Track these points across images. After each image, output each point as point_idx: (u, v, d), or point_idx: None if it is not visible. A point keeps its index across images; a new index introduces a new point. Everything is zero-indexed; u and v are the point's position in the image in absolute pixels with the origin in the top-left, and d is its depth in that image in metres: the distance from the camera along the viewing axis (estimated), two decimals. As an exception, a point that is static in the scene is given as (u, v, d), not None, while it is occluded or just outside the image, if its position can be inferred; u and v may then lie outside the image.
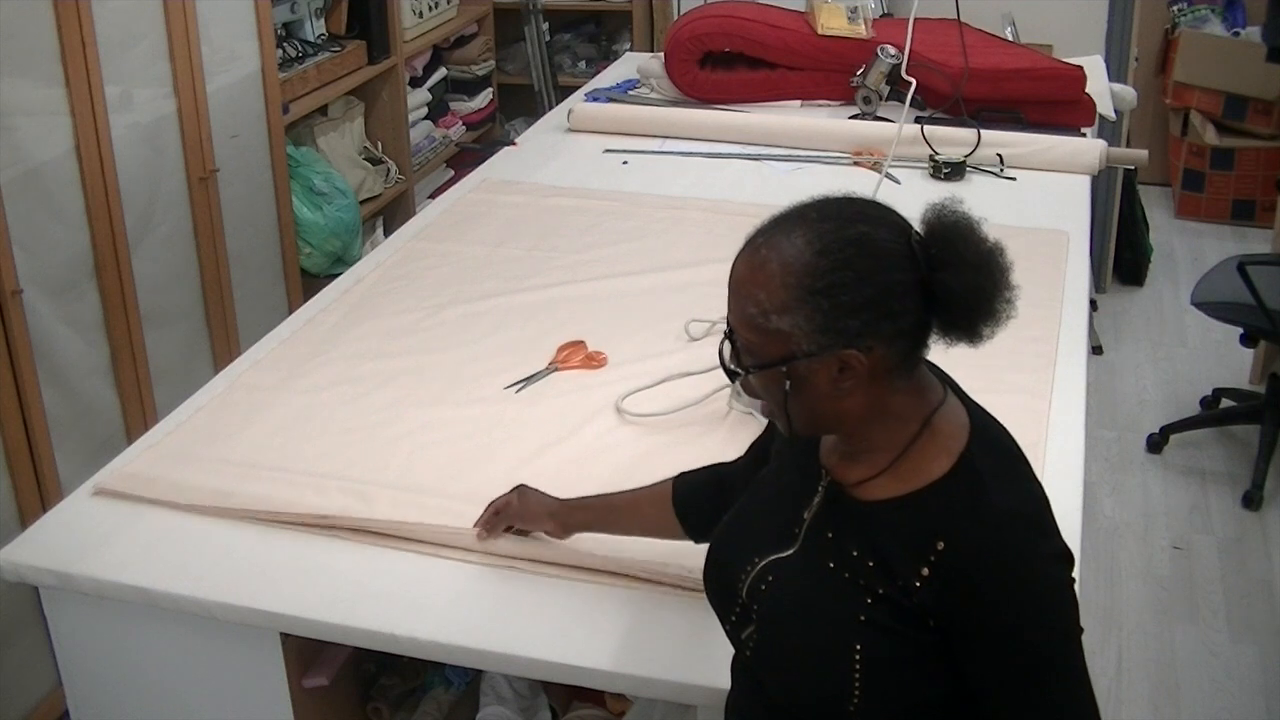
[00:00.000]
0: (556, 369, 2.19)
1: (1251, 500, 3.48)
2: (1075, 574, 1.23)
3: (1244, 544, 3.35)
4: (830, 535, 1.27)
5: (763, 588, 1.30)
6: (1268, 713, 2.79)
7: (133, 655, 1.75)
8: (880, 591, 1.20)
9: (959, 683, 1.20)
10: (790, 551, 1.30)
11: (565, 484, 1.85)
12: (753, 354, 1.22)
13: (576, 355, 2.22)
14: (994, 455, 1.24)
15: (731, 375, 1.26)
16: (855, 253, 1.17)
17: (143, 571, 1.68)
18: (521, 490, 1.73)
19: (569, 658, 1.55)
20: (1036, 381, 2.08)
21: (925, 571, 1.18)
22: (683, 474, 1.63)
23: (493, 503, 1.73)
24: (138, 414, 2.83)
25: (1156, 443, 3.76)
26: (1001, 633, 1.17)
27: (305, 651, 1.72)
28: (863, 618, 1.21)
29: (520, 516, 1.71)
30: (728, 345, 1.26)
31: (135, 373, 2.84)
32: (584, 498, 1.70)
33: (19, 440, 2.49)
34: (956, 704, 1.21)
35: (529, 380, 2.15)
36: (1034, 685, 1.18)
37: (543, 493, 1.72)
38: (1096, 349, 4.24)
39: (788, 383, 1.21)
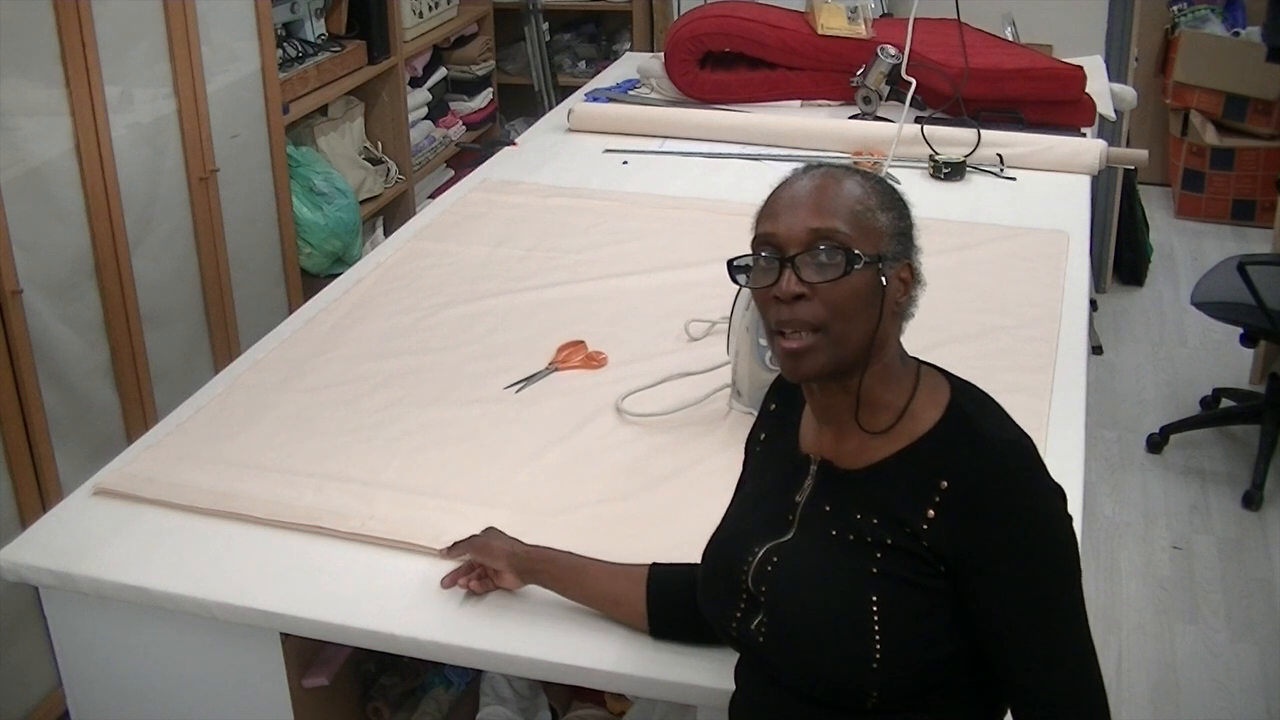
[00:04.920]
0: (556, 369, 2.18)
1: (1251, 500, 3.48)
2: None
3: (1244, 544, 3.35)
4: (828, 509, 1.29)
5: (769, 569, 1.31)
6: (1267, 713, 2.79)
7: (133, 655, 1.74)
8: (889, 542, 1.23)
9: (971, 643, 1.22)
10: (788, 536, 1.31)
11: (565, 484, 1.86)
12: (855, 249, 1.24)
13: (576, 355, 2.22)
14: (977, 399, 1.30)
15: (848, 265, 1.22)
16: (898, 196, 1.31)
17: (143, 571, 1.68)
18: (489, 528, 1.65)
19: (569, 658, 1.54)
20: (1036, 381, 2.08)
21: (931, 513, 1.21)
22: (658, 564, 1.55)
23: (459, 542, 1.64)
24: (138, 414, 2.82)
25: (1156, 443, 3.76)
26: (1010, 561, 1.19)
27: (305, 651, 1.72)
28: (874, 570, 1.23)
29: (483, 550, 1.60)
30: (793, 268, 1.23)
31: (135, 373, 2.84)
32: (551, 549, 1.60)
33: (19, 440, 2.49)
34: (971, 667, 1.23)
35: (529, 380, 2.15)
36: (1042, 617, 1.20)
37: (510, 536, 1.63)
38: (1096, 349, 4.24)
39: (884, 279, 1.24)
